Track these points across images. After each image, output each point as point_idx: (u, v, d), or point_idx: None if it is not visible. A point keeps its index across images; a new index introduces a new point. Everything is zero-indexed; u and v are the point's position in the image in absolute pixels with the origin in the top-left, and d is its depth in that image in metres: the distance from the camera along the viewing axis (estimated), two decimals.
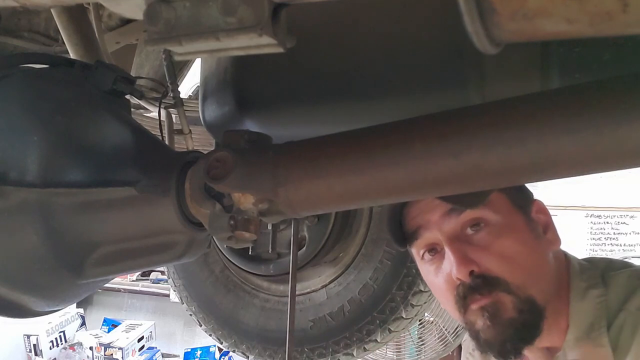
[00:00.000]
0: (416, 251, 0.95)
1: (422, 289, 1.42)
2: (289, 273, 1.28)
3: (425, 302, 1.47)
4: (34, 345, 4.17)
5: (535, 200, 0.93)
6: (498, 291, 0.83)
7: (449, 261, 0.86)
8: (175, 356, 4.56)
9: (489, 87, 0.79)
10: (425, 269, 0.94)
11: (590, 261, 0.91)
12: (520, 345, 0.84)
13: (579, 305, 0.84)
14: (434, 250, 0.92)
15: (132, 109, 0.94)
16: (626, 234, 3.74)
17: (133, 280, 4.95)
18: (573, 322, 0.84)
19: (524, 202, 0.91)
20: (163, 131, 1.22)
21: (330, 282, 1.54)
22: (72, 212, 0.72)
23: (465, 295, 0.85)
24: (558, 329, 0.86)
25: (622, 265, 0.89)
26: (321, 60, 0.90)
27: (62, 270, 0.74)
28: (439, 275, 0.90)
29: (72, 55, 1.08)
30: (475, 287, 0.84)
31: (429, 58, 0.83)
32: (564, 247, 0.96)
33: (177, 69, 1.41)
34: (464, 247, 0.86)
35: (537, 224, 0.90)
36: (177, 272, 1.77)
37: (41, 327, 4.18)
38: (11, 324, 3.87)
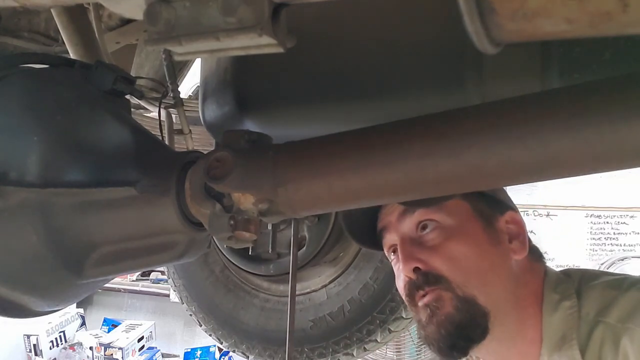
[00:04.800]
0: (386, 253, 0.98)
1: None
2: (289, 273, 1.28)
3: None
4: (34, 345, 4.18)
5: (509, 211, 0.93)
6: (440, 289, 0.85)
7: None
8: (175, 356, 4.56)
9: (488, 87, 0.79)
10: (394, 270, 0.96)
11: (567, 273, 0.91)
12: (460, 343, 0.84)
13: (550, 317, 0.84)
14: (396, 251, 0.94)
15: (132, 109, 0.94)
16: (626, 234, 3.74)
17: (133, 280, 4.95)
18: (545, 334, 0.84)
19: (490, 211, 0.92)
20: (163, 131, 1.22)
21: (330, 282, 1.55)
22: (72, 212, 0.72)
23: (411, 292, 0.88)
24: (531, 341, 0.86)
25: (598, 276, 0.89)
26: (321, 60, 0.90)
27: (62, 270, 0.74)
28: (399, 275, 0.92)
29: (72, 55, 1.08)
30: (419, 284, 0.87)
31: (429, 58, 0.83)
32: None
33: (177, 69, 1.41)
34: (413, 246, 0.89)
35: (500, 233, 0.90)
36: (177, 272, 1.77)
37: (41, 327, 4.18)
38: (11, 324, 3.87)
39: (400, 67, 0.85)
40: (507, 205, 0.95)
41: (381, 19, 0.86)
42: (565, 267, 1.01)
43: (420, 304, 0.87)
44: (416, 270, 0.87)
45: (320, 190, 0.67)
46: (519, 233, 0.92)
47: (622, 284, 0.83)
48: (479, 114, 0.63)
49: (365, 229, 0.98)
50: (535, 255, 0.93)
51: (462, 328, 0.84)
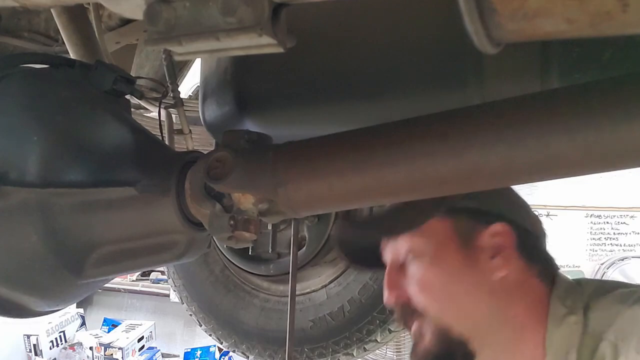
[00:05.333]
0: None
1: None
2: (289, 273, 1.28)
3: None
4: (34, 345, 4.17)
5: (497, 223, 0.86)
6: (421, 320, 0.85)
7: None
8: (175, 356, 4.56)
9: (488, 87, 0.79)
10: None
11: (580, 283, 0.87)
12: None
13: (554, 332, 0.80)
14: None
15: (132, 109, 0.94)
16: (626, 234, 3.74)
17: (133, 280, 4.94)
18: (549, 350, 0.81)
19: (471, 226, 0.86)
20: (163, 131, 1.22)
21: (330, 282, 1.55)
22: (72, 212, 0.72)
23: (400, 320, 0.89)
24: (532, 357, 0.82)
25: (611, 288, 0.83)
26: (321, 60, 0.90)
27: (62, 270, 0.74)
28: None
29: (72, 55, 1.08)
30: (402, 315, 0.87)
31: (429, 58, 0.83)
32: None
33: (177, 69, 1.41)
34: (396, 274, 0.88)
35: (479, 250, 0.85)
36: (177, 272, 1.77)
37: (41, 327, 4.18)
38: (11, 324, 3.86)
39: (400, 67, 0.85)
40: (496, 215, 0.87)
41: (381, 19, 0.86)
42: (574, 273, 0.97)
43: (411, 329, 0.87)
44: (397, 300, 0.87)
45: (320, 190, 0.67)
46: (502, 246, 0.85)
47: (630, 298, 0.79)
48: (479, 114, 0.63)
49: (360, 249, 0.98)
50: (537, 265, 0.87)
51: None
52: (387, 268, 0.90)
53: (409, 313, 0.86)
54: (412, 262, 0.87)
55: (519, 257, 0.85)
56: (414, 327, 0.86)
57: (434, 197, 0.70)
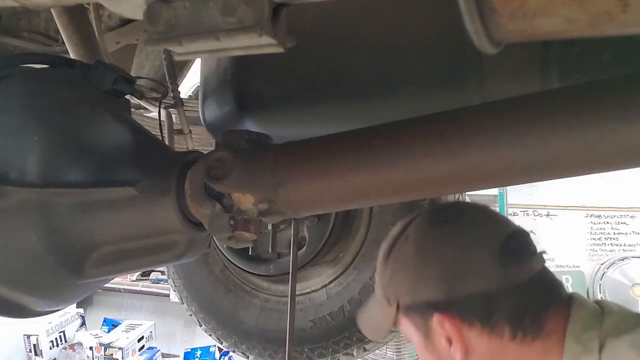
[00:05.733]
0: None
1: None
2: (289, 273, 1.28)
3: None
4: (34, 345, 4.17)
5: (437, 313, 0.79)
6: None
7: None
8: (175, 356, 4.56)
9: (488, 87, 0.79)
10: None
11: (603, 309, 0.79)
12: None
13: None
14: None
15: (132, 109, 0.94)
16: (626, 234, 3.73)
17: (133, 280, 4.94)
18: None
19: (420, 319, 0.82)
20: (163, 131, 1.22)
21: (330, 282, 1.54)
22: (72, 212, 0.72)
23: None
24: None
25: (633, 325, 0.75)
26: (321, 61, 0.90)
27: (62, 270, 0.74)
28: None
29: (72, 55, 1.08)
30: None
31: (429, 58, 0.83)
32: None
33: (177, 69, 1.40)
34: None
35: (438, 341, 0.81)
36: (177, 272, 1.77)
37: (41, 327, 4.17)
38: (11, 324, 3.86)
39: (401, 68, 0.85)
40: (439, 303, 0.79)
41: (381, 20, 0.86)
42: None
43: None
44: None
45: (321, 190, 0.67)
46: (453, 333, 0.78)
47: None
48: (479, 113, 0.63)
49: None
50: (511, 322, 0.77)
51: None
52: None
53: None
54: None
55: (479, 332, 0.78)
56: None
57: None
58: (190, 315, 1.77)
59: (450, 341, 0.79)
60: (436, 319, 0.79)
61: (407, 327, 0.84)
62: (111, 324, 4.74)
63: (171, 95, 1.22)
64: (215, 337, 1.73)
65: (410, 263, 0.80)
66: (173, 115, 1.31)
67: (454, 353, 0.79)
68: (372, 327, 0.93)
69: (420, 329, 0.82)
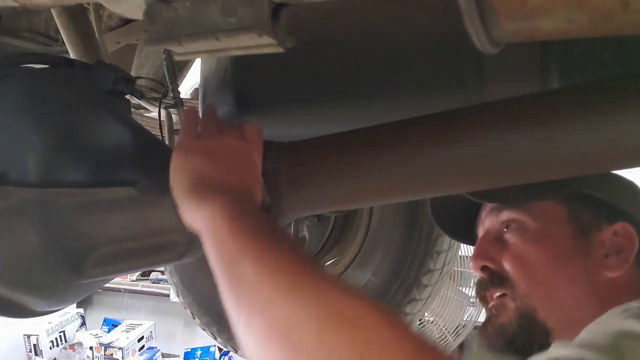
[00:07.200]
0: None
1: (416, 297, 1.43)
2: None
3: (418, 308, 1.48)
4: (34, 345, 4.17)
5: (621, 222, 0.79)
6: (505, 295, 0.80)
7: None
8: (175, 356, 4.56)
9: (488, 87, 0.79)
10: None
11: None
12: (511, 356, 0.78)
13: None
14: None
15: (132, 109, 0.93)
16: None
17: (133, 280, 4.94)
18: None
19: (592, 219, 0.80)
20: (163, 131, 1.22)
21: None
22: (72, 212, 0.72)
23: (479, 292, 0.84)
24: None
25: None
26: (321, 60, 0.90)
27: (62, 270, 0.73)
28: None
29: (72, 55, 1.08)
30: (485, 284, 0.82)
31: (429, 58, 0.83)
32: None
33: (177, 69, 1.40)
34: (491, 243, 0.84)
35: (596, 245, 0.79)
36: (174, 269, 1.77)
37: (41, 327, 4.17)
38: (11, 324, 3.86)
39: (400, 68, 0.85)
40: (621, 213, 0.80)
41: (381, 19, 0.86)
42: None
43: (489, 304, 0.82)
44: (485, 268, 0.82)
45: (321, 190, 0.67)
46: (624, 249, 0.78)
47: None
48: (479, 113, 0.63)
49: (459, 221, 0.93)
50: None
51: (512, 343, 0.78)
52: (481, 235, 0.86)
53: (494, 284, 0.81)
54: (513, 234, 0.82)
55: (635, 262, 0.77)
56: (495, 300, 0.81)
57: (553, 180, 0.66)
58: (191, 315, 1.78)
59: (610, 254, 0.77)
60: (619, 228, 0.78)
61: (550, 214, 0.81)
62: (111, 324, 4.74)
63: (171, 95, 1.22)
64: (209, 333, 1.74)
65: None
66: (173, 115, 1.31)
67: (608, 266, 0.77)
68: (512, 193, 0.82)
69: (577, 223, 0.80)
